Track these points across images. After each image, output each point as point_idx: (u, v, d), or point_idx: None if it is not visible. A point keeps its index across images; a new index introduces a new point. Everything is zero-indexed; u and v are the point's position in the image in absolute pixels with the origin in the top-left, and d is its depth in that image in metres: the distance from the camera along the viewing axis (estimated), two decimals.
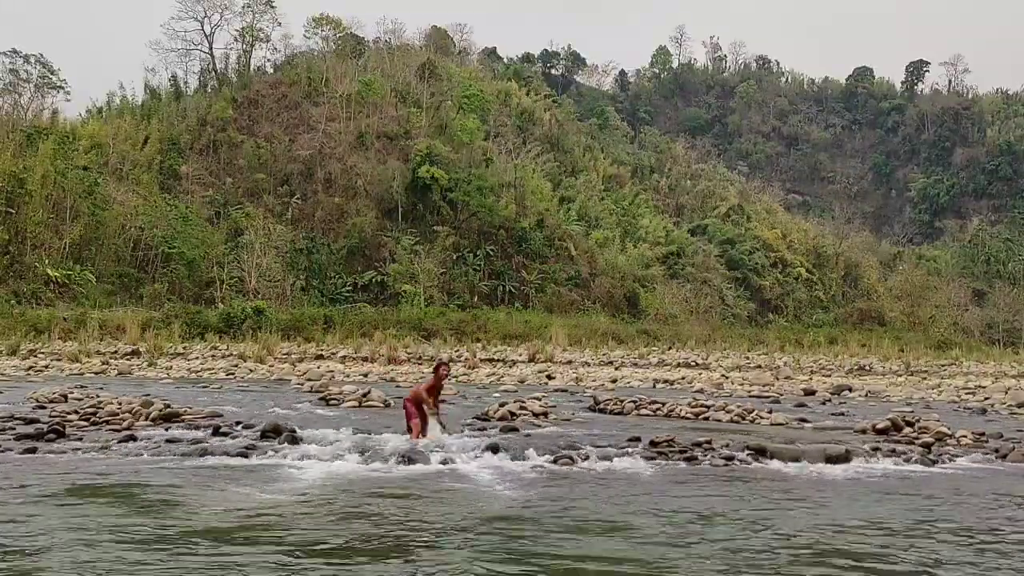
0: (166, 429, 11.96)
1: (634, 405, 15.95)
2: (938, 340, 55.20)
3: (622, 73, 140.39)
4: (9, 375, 23.13)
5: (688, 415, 15.25)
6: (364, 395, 16.64)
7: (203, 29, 73.31)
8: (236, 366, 27.20)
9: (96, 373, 24.26)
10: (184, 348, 33.94)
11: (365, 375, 25.21)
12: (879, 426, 13.22)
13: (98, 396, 15.01)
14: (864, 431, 13.32)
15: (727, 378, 26.83)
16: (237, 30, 74.87)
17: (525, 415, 14.22)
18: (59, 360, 27.88)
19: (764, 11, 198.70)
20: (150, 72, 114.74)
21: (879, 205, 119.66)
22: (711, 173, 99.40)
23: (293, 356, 32.71)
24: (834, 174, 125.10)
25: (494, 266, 60.01)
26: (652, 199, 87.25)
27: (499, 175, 65.61)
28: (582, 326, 48.68)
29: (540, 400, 15.49)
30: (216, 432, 11.59)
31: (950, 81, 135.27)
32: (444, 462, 9.80)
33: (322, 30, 79.73)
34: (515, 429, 12.62)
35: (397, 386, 20.85)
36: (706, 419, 14.93)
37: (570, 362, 35.11)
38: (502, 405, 14.74)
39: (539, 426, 13.33)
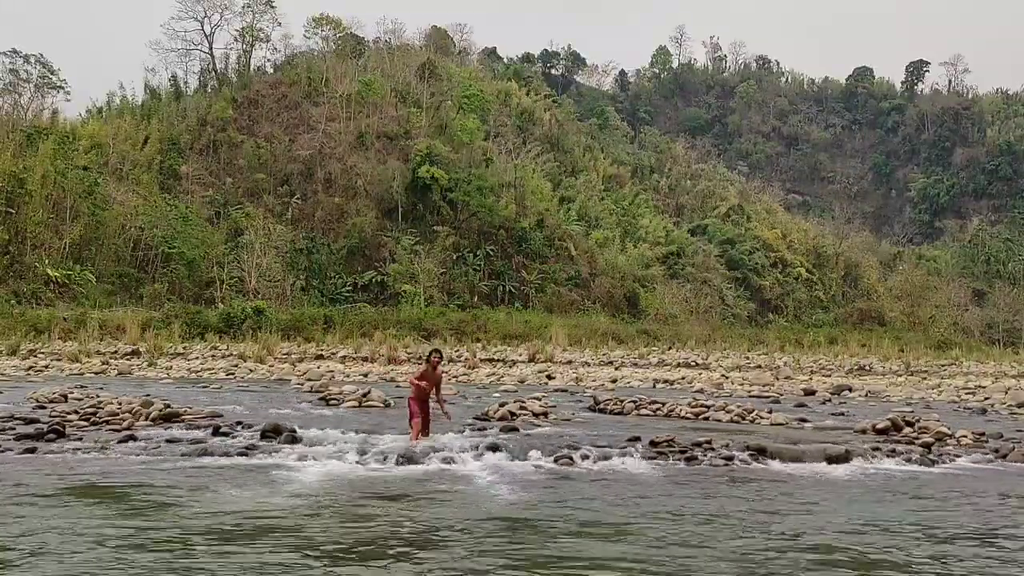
0: (166, 429, 11.96)
1: (634, 405, 15.95)
2: (938, 340, 55.18)
3: (622, 73, 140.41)
4: (9, 375, 23.13)
5: (688, 415, 15.25)
6: (364, 395, 16.64)
7: (203, 29, 73.36)
8: (236, 366, 27.19)
9: (96, 373, 24.26)
10: (184, 348, 33.93)
11: (365, 375, 25.21)
12: (879, 426, 13.22)
13: (98, 396, 15.01)
14: (864, 431, 13.32)
15: (727, 378, 26.83)
16: (237, 30, 74.95)
17: (525, 415, 14.22)
18: (59, 360, 27.88)
19: (764, 11, 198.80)
20: (150, 72, 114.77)
21: (879, 205, 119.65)
22: (711, 173, 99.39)
23: (293, 356, 32.70)
24: (834, 174, 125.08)
25: (494, 266, 60.00)
26: (652, 199, 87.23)
27: (499, 175, 65.60)
28: (582, 326, 48.67)
29: (540, 400, 15.48)
30: (216, 432, 11.59)
31: (950, 81, 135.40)
32: (444, 462, 9.80)
33: (322, 30, 79.75)
34: (515, 429, 12.62)
35: (397, 386, 20.84)
36: (706, 419, 14.93)
37: (570, 362, 35.10)
38: (502, 405, 14.74)
39: (539, 426, 13.33)
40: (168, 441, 10.92)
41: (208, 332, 38.61)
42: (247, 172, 61.82)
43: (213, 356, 31.42)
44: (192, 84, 76.54)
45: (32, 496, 7.76)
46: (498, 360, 34.82)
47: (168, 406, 13.41)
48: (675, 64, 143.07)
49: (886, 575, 5.86)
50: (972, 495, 8.76)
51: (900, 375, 33.20)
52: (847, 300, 79.77)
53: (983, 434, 12.82)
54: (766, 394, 21.35)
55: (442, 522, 7.04)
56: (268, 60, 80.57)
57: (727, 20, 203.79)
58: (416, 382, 11.24)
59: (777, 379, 27.07)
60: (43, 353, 30.55)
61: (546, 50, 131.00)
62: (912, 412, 15.45)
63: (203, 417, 13.26)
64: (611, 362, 36.25)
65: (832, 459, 10.40)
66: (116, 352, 32.02)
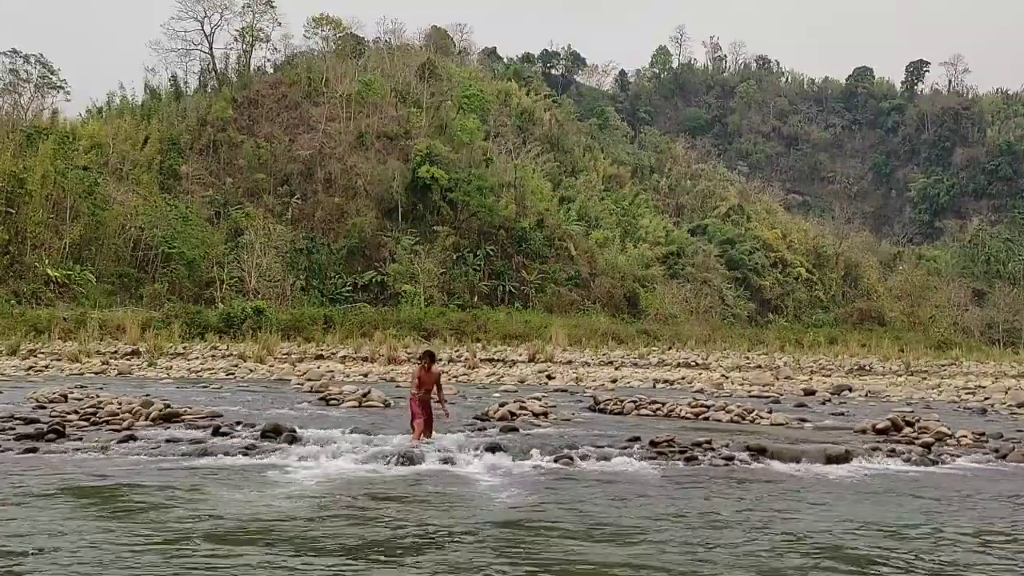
0: (166, 429, 11.97)
1: (634, 405, 15.95)
2: (938, 340, 55.18)
3: (622, 73, 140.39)
4: (9, 375, 23.13)
5: (688, 415, 15.25)
6: (364, 395, 16.64)
7: (203, 29, 73.39)
8: (236, 366, 27.19)
9: (96, 373, 24.26)
10: (184, 348, 33.93)
11: (365, 375, 25.22)
12: (879, 426, 13.22)
13: (98, 396, 15.01)
14: (864, 431, 13.32)
15: (727, 378, 26.83)
16: (237, 30, 74.97)
17: (525, 415, 14.22)
18: (59, 360, 27.87)
19: (764, 11, 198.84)
20: (150, 72, 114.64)
21: (879, 205, 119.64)
22: (711, 173, 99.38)
23: (293, 356, 32.70)
24: (834, 174, 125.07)
25: (494, 266, 60.01)
26: (652, 199, 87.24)
27: (499, 175, 65.61)
28: (582, 326, 48.67)
29: (540, 400, 15.49)
30: (216, 432, 11.59)
31: (950, 81, 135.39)
32: (444, 462, 9.80)
33: (322, 30, 79.76)
34: (515, 429, 12.62)
35: (397, 386, 20.85)
36: (706, 419, 14.93)
37: (570, 362, 35.10)
38: (502, 405, 14.74)
39: (539, 426, 13.33)
40: (168, 441, 10.92)
41: (208, 332, 38.62)
42: (247, 172, 61.83)
43: (213, 356, 31.43)
44: (192, 84, 76.66)
45: (32, 496, 7.76)
46: (498, 360, 34.82)
47: (168, 406, 13.41)
48: (675, 64, 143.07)
49: (886, 575, 5.85)
50: (972, 495, 8.75)
51: (900, 375, 33.20)
52: (847, 300, 79.79)
53: (983, 434, 12.82)
54: (766, 394, 21.35)
55: (442, 523, 7.04)
56: (268, 60, 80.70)
57: (727, 20, 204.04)
58: (414, 393, 11.24)
59: (777, 379, 27.08)
60: (43, 353, 30.55)
61: (546, 50, 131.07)
62: (912, 412, 15.45)
63: (203, 417, 13.26)
64: (611, 362, 36.25)
65: (832, 459, 10.40)
66: (116, 352, 32.02)
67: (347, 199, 61.27)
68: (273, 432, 11.33)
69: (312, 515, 7.24)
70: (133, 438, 11.04)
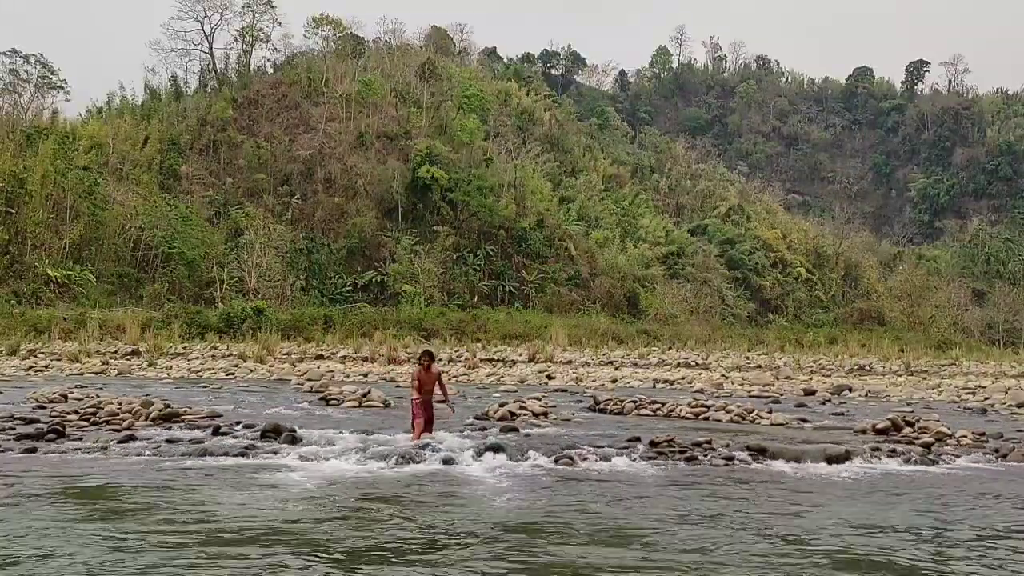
0: (166, 429, 11.96)
1: (634, 405, 15.95)
2: (938, 340, 55.17)
3: (622, 73, 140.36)
4: (9, 375, 23.13)
5: (688, 415, 15.25)
6: (364, 395, 16.65)
7: (203, 29, 73.35)
8: (236, 366, 27.19)
9: (96, 373, 24.26)
10: (184, 348, 33.93)
11: (365, 375, 25.22)
12: (879, 426, 13.22)
13: (98, 396, 15.01)
14: (864, 431, 13.32)
15: (727, 378, 26.82)
16: (237, 30, 74.94)
17: (525, 415, 14.23)
18: (59, 360, 27.87)
19: (764, 11, 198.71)
20: (150, 72, 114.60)
21: (879, 205, 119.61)
22: (711, 173, 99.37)
23: (293, 356, 32.70)
24: (834, 174, 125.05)
25: (494, 266, 60.00)
26: (652, 199, 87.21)
27: (499, 175, 65.59)
28: (582, 326, 48.67)
29: (540, 400, 15.49)
30: (216, 432, 11.59)
31: (950, 81, 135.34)
32: (444, 462, 9.80)
33: (322, 30, 79.73)
34: (515, 429, 12.62)
35: (397, 386, 20.85)
36: (706, 419, 14.94)
37: (570, 362, 35.10)
38: (502, 405, 14.74)
39: (539, 426, 13.33)
40: (168, 441, 10.92)
41: (208, 332, 38.61)
42: (247, 172, 61.82)
43: (213, 356, 31.42)
44: (192, 84, 76.62)
45: (32, 496, 7.76)
46: (498, 360, 34.81)
47: (168, 406, 13.42)
48: (675, 64, 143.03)
49: (886, 575, 5.85)
50: (972, 495, 8.75)
51: (900, 375, 33.20)
52: (847, 300, 79.77)
53: (983, 434, 12.82)
54: (766, 394, 21.34)
55: (441, 523, 7.04)
56: (268, 60, 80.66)
57: (727, 20, 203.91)
58: (415, 397, 11.24)
59: (777, 379, 27.07)
60: (43, 353, 30.54)
61: (546, 50, 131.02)
62: (912, 412, 15.45)
63: (203, 417, 13.27)
64: (611, 362, 36.24)
65: (832, 459, 10.39)
66: (116, 352, 32.01)
67: (347, 199, 61.26)
68: (273, 432, 11.33)
69: (312, 515, 7.24)
70: (133, 438, 11.04)
